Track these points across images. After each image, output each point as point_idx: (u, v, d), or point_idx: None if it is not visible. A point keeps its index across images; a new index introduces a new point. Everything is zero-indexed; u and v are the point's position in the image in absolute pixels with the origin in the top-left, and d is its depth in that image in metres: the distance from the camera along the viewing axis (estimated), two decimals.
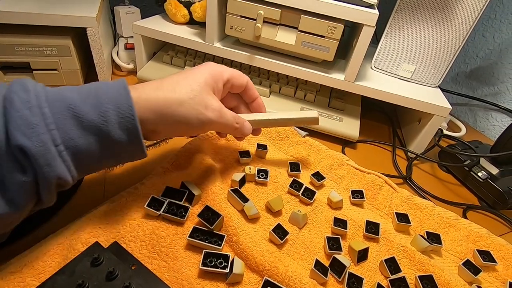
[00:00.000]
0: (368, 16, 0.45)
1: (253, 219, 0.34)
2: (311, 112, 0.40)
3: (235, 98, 0.38)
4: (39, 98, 0.22)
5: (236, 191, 0.35)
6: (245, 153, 0.42)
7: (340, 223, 0.36)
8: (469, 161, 0.50)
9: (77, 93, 0.24)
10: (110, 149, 0.25)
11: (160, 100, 0.27)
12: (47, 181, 0.22)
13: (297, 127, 0.53)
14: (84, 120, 0.23)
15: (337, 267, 0.31)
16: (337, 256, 0.31)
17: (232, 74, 0.34)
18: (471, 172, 0.49)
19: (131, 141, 0.26)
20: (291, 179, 0.40)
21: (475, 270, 0.33)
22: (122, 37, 0.64)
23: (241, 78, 0.35)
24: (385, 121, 0.65)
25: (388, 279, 0.31)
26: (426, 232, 0.37)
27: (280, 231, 0.33)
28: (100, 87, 0.25)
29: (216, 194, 0.35)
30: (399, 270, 0.31)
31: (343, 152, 0.52)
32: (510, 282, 0.33)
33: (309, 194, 0.39)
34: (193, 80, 0.30)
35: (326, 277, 0.29)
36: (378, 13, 0.45)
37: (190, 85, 0.29)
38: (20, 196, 0.22)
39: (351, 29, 0.65)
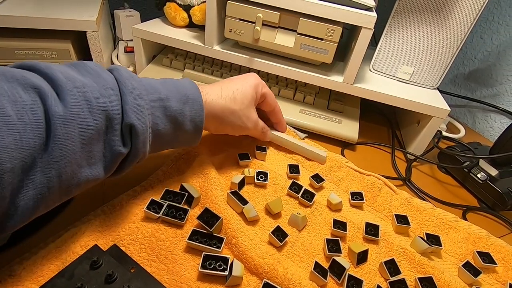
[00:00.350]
0: (366, 19, 0.45)
1: (252, 222, 0.34)
2: (321, 151, 0.47)
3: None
4: (140, 87, 0.27)
5: (235, 194, 0.35)
6: (245, 155, 0.42)
7: (339, 225, 0.36)
8: (468, 162, 0.50)
9: (163, 87, 0.30)
10: (179, 135, 0.31)
11: (219, 107, 0.35)
12: (136, 156, 0.27)
13: (295, 128, 0.53)
14: (168, 110, 0.29)
15: (337, 269, 0.30)
16: (336, 258, 0.31)
17: (268, 92, 0.41)
18: (471, 174, 0.49)
19: (194, 132, 0.32)
20: (291, 181, 0.40)
21: (475, 272, 0.33)
22: (122, 40, 0.64)
23: (273, 100, 0.42)
24: (384, 123, 0.66)
25: (388, 281, 0.31)
26: (426, 233, 0.37)
27: (279, 233, 0.32)
28: (180, 85, 0.31)
29: (216, 196, 0.35)
30: (398, 272, 0.31)
31: (342, 154, 0.52)
32: (510, 283, 0.33)
33: (309, 196, 0.39)
34: (244, 95, 0.37)
35: (326, 280, 0.29)
36: (376, 15, 0.45)
37: (242, 100, 0.36)
38: (112, 164, 0.26)
39: (350, 32, 0.65)
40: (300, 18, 0.48)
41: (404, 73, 0.57)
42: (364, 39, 0.47)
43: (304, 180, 0.43)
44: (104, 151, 0.25)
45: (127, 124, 0.26)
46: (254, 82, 0.38)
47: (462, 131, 0.66)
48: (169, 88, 0.30)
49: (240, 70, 0.60)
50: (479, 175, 0.48)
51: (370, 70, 0.60)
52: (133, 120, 0.26)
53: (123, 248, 0.28)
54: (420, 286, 0.30)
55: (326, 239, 0.34)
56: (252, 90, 0.38)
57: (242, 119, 0.37)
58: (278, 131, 0.46)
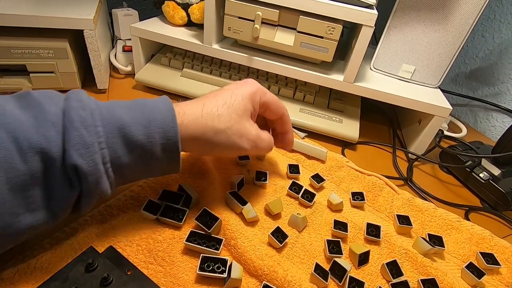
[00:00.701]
0: (367, 17, 0.45)
1: (252, 222, 0.34)
2: (322, 149, 0.47)
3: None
4: (94, 116, 0.23)
5: (234, 194, 0.35)
6: (244, 155, 0.42)
7: (340, 225, 0.35)
8: (470, 162, 0.50)
9: (127, 112, 0.25)
10: (150, 165, 0.27)
11: (199, 129, 0.28)
12: (90, 196, 0.24)
13: (295, 128, 0.52)
14: (132, 140, 0.25)
15: (338, 271, 0.30)
16: (337, 259, 0.30)
17: (271, 100, 0.34)
18: (473, 173, 0.49)
19: (170, 161, 0.28)
20: (291, 181, 0.40)
21: (479, 273, 0.32)
22: (120, 39, 0.64)
23: (278, 108, 0.35)
24: (385, 122, 0.65)
25: (390, 283, 0.30)
26: (428, 234, 0.36)
27: (279, 235, 0.32)
28: (149, 108, 0.26)
29: (214, 197, 0.34)
30: (401, 274, 0.31)
31: (343, 153, 0.52)
32: None
33: (309, 196, 0.38)
34: (234, 109, 0.30)
35: (327, 282, 0.28)
36: (377, 13, 0.45)
37: (230, 115, 0.29)
38: (62, 208, 0.23)
39: (350, 30, 0.65)
40: (300, 16, 0.47)
41: (405, 72, 0.57)
42: (364, 37, 0.46)
43: (304, 180, 0.42)
44: (46, 196, 0.22)
45: (69, 165, 0.22)
46: (248, 91, 0.31)
47: (464, 130, 0.65)
48: (134, 113, 0.26)
49: (239, 69, 0.60)
50: (481, 175, 0.48)
51: (370, 68, 0.59)
52: (76, 160, 0.22)
53: (119, 250, 0.28)
54: None
55: (327, 240, 0.33)
56: (245, 101, 0.31)
57: (233, 139, 0.30)
58: (283, 143, 0.38)
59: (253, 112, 0.32)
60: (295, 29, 0.49)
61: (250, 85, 0.32)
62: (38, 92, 0.24)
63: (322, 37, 0.48)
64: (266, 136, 0.33)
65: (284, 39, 0.50)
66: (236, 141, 0.30)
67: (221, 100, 0.30)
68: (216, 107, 0.29)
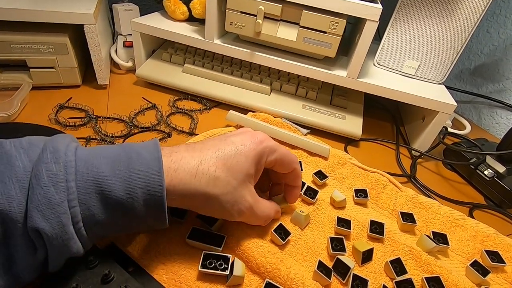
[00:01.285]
0: (371, 11, 0.44)
1: None
2: (325, 145, 0.46)
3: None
4: (67, 170, 0.21)
5: None
6: None
7: (343, 223, 0.35)
8: (475, 159, 0.49)
9: (109, 163, 0.22)
10: (132, 222, 0.24)
11: (190, 190, 0.24)
12: (58, 259, 0.21)
13: (297, 124, 0.52)
14: (110, 196, 0.22)
15: (341, 269, 0.30)
16: (340, 257, 0.30)
17: (281, 157, 0.29)
18: (477, 171, 0.48)
19: (155, 218, 0.24)
20: None
21: (484, 271, 0.32)
22: (121, 35, 0.63)
23: (290, 164, 0.30)
24: (388, 119, 0.64)
25: (394, 281, 0.30)
26: (432, 232, 0.36)
27: (282, 232, 0.32)
28: (133, 158, 0.23)
29: None
30: (405, 272, 0.30)
31: (345, 150, 0.51)
32: None
33: (312, 193, 0.38)
34: (232, 172, 0.26)
35: (330, 279, 0.28)
36: (381, 7, 0.44)
37: (227, 180, 0.25)
38: (27, 273, 0.21)
39: (353, 26, 0.64)
40: (303, 11, 0.47)
41: (409, 68, 0.56)
42: (369, 32, 0.46)
43: (307, 177, 0.42)
44: (6, 260, 0.20)
45: (31, 228, 0.19)
46: (254, 151, 0.27)
47: (468, 127, 0.64)
48: (115, 164, 0.22)
49: (241, 64, 0.59)
50: (486, 172, 0.47)
51: (374, 64, 0.59)
52: (38, 223, 0.19)
53: (120, 247, 0.28)
54: (427, 286, 0.29)
55: (330, 237, 0.33)
56: (249, 163, 0.26)
57: (224, 206, 0.26)
58: (288, 197, 0.34)
59: (256, 175, 0.28)
60: (298, 24, 0.48)
61: (258, 142, 0.28)
62: (14, 141, 0.22)
63: (325, 32, 0.48)
64: (264, 206, 0.30)
65: (286, 34, 0.50)
66: (227, 209, 0.26)
67: (222, 157, 0.26)
68: (215, 166, 0.25)
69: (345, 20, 0.46)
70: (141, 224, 0.25)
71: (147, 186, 0.22)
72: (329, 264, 0.30)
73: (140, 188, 0.22)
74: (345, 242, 0.32)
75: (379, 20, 0.45)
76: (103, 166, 0.22)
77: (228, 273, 0.27)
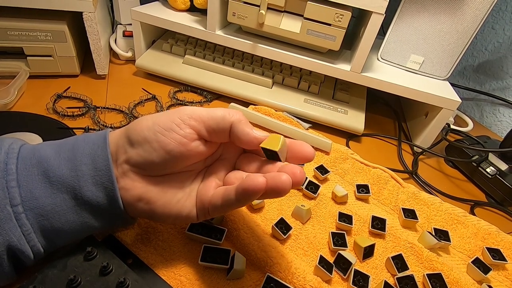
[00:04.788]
0: (377, 3, 0.43)
1: (257, 209, 0.33)
2: (327, 142, 0.45)
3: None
4: (9, 155, 0.20)
5: None
6: None
7: (345, 218, 0.34)
8: (477, 156, 0.49)
9: (55, 147, 0.22)
10: (85, 210, 0.22)
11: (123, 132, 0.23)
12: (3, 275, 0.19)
13: (299, 118, 0.51)
14: (53, 176, 0.20)
15: (342, 264, 0.29)
16: (342, 252, 0.30)
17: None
18: (479, 168, 0.48)
19: (109, 202, 0.22)
20: None
21: (485, 269, 0.32)
22: (120, 24, 0.62)
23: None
24: (390, 114, 0.64)
25: (395, 277, 0.29)
26: (434, 228, 0.36)
27: (283, 226, 0.31)
28: (79, 139, 0.22)
29: None
30: (406, 268, 0.30)
31: (347, 145, 0.51)
32: None
33: (313, 188, 0.37)
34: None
35: (331, 274, 0.28)
36: (388, 0, 0.43)
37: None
38: None
39: (357, 19, 0.63)
40: (308, 2, 0.46)
41: (413, 63, 0.55)
42: (374, 25, 0.45)
43: (308, 172, 0.41)
44: None
45: None
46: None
47: (470, 125, 0.64)
48: (60, 148, 0.22)
49: (242, 56, 0.58)
50: (488, 170, 0.47)
51: (378, 59, 0.58)
52: None
53: (119, 239, 0.27)
54: (428, 282, 0.29)
55: (331, 232, 0.32)
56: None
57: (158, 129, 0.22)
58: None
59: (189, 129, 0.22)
60: (302, 15, 0.47)
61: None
62: None
63: (330, 25, 0.47)
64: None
65: (290, 26, 0.49)
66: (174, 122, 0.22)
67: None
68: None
69: (350, 13, 0.45)
70: (98, 215, 0.22)
71: (93, 162, 0.21)
72: (330, 259, 0.29)
73: (86, 164, 0.21)
74: (347, 238, 0.32)
75: (385, 13, 0.44)
76: (48, 150, 0.21)
77: (228, 266, 0.26)
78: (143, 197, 0.22)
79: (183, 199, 0.24)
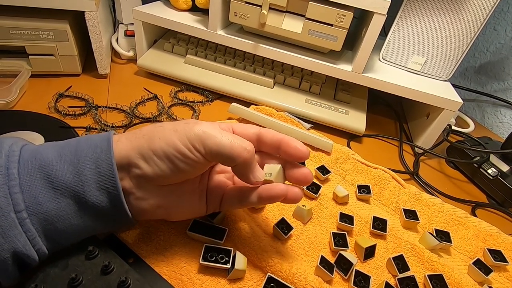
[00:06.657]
0: (379, 4, 0.43)
1: (258, 209, 0.33)
2: (328, 142, 0.45)
3: None
4: (10, 158, 0.20)
5: None
6: None
7: (346, 218, 0.34)
8: (478, 157, 0.49)
9: (57, 149, 0.21)
10: (89, 215, 0.22)
11: (134, 142, 0.23)
12: (2, 254, 0.19)
13: (300, 119, 0.51)
14: (56, 181, 0.20)
15: (343, 264, 0.29)
16: (343, 253, 0.30)
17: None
18: (481, 169, 0.48)
19: (112, 206, 0.22)
20: None
21: (486, 270, 0.32)
22: (122, 23, 0.62)
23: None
24: (391, 115, 0.64)
25: (396, 277, 0.29)
26: (435, 229, 0.36)
27: (284, 226, 0.31)
28: (82, 141, 0.22)
29: None
30: (407, 269, 0.30)
31: (348, 146, 0.51)
32: None
33: (314, 188, 0.37)
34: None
35: (332, 275, 0.28)
36: (390, 0, 0.43)
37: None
38: None
39: (359, 20, 0.63)
40: (309, 2, 0.46)
41: (415, 64, 0.55)
42: (376, 25, 0.45)
43: None
44: None
45: None
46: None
47: (472, 126, 0.64)
48: (63, 151, 0.21)
49: (244, 56, 0.58)
50: (489, 171, 0.47)
51: (379, 60, 0.58)
52: None
53: (120, 238, 0.27)
54: (429, 283, 0.29)
55: (333, 232, 0.32)
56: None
57: (180, 131, 0.23)
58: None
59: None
60: (303, 15, 0.47)
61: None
62: None
63: (331, 25, 0.47)
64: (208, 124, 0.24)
65: (292, 26, 0.49)
66: (185, 129, 0.23)
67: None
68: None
69: (352, 13, 0.45)
70: (102, 219, 0.22)
71: (97, 167, 0.21)
72: (331, 260, 0.29)
73: (89, 169, 0.21)
74: (348, 238, 0.32)
75: (387, 13, 0.44)
76: (50, 153, 0.21)
77: (229, 266, 0.26)
78: (161, 204, 0.24)
79: (195, 198, 0.26)
